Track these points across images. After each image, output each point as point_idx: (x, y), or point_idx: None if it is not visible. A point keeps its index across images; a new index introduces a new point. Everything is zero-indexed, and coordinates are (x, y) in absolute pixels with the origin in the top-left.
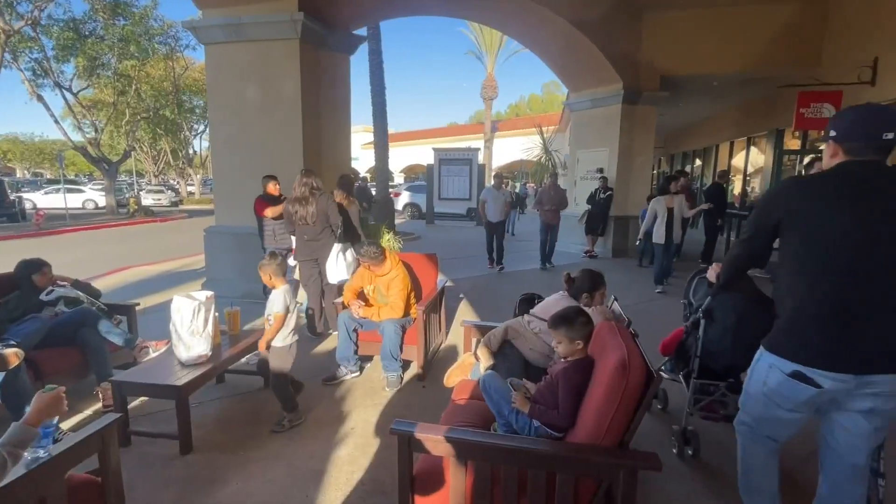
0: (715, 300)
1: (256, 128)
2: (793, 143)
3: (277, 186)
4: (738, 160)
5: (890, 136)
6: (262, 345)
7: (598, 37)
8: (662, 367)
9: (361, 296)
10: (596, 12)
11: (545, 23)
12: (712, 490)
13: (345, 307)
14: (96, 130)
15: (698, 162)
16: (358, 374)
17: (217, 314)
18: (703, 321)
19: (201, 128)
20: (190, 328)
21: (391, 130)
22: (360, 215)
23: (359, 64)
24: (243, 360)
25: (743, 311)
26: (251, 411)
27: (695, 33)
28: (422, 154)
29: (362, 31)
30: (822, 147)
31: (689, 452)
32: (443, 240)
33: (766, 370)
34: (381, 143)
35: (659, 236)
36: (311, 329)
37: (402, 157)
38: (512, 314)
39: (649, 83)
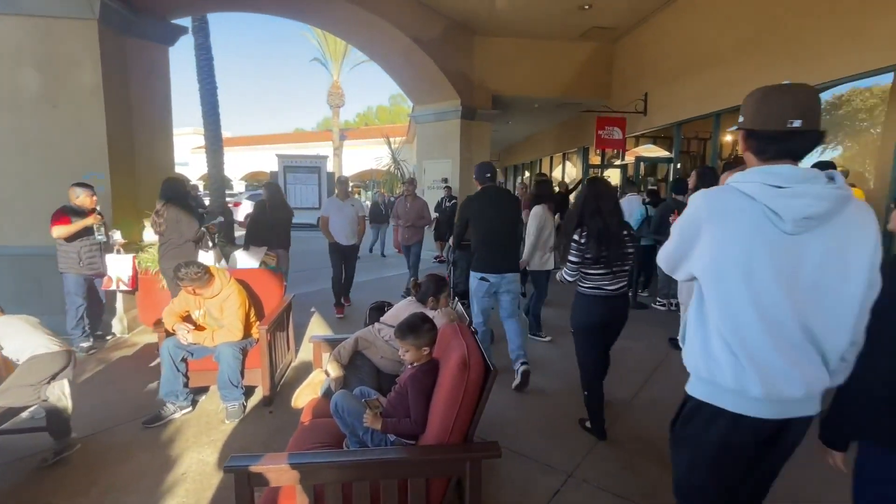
0: (456, 255)
1: (37, 123)
2: (595, 159)
3: (94, 198)
4: (557, 172)
5: (489, 175)
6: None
7: (437, 55)
8: None
9: (189, 321)
10: (433, 31)
11: (387, 36)
12: None
13: (169, 334)
14: None
15: (527, 174)
16: (190, 409)
17: None
18: (453, 268)
19: None
20: None
21: (228, 134)
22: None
23: (190, 59)
24: (24, 414)
25: (469, 260)
26: (36, 479)
27: (517, 59)
28: (266, 160)
29: (185, 22)
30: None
31: None
32: (292, 251)
33: (473, 280)
34: (214, 146)
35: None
36: None
37: (242, 163)
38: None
39: (483, 101)
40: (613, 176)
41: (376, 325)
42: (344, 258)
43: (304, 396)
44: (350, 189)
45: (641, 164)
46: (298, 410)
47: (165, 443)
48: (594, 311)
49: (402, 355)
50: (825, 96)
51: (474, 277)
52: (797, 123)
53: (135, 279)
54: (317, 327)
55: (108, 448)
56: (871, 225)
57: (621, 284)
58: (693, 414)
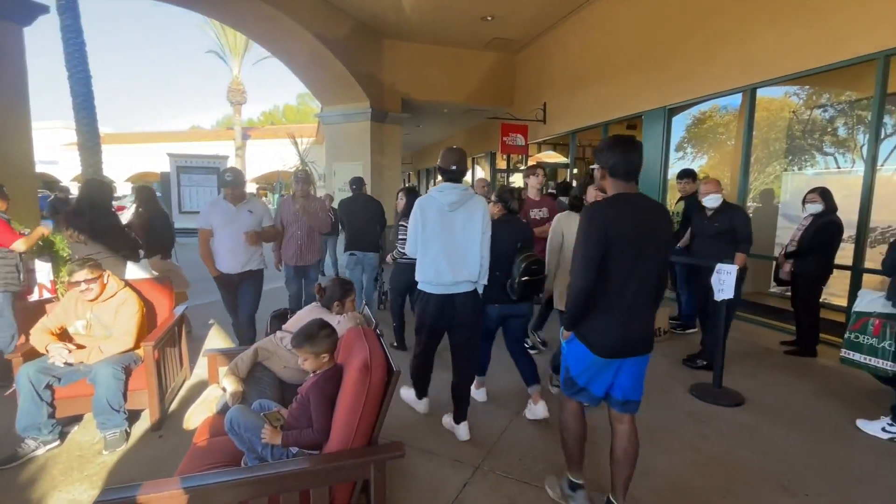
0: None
1: None
2: (502, 164)
3: (7, 201)
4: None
5: (355, 186)
6: None
7: (343, 55)
8: None
9: (65, 339)
10: (340, 30)
11: (289, 33)
12: None
13: (29, 357)
14: None
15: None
16: (57, 443)
17: None
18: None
19: None
20: None
21: (109, 130)
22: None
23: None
24: None
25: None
26: None
27: (426, 64)
28: (157, 160)
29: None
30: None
31: None
32: (189, 259)
33: (344, 257)
34: (90, 143)
35: None
36: None
37: (128, 163)
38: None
39: (392, 104)
40: (519, 180)
41: (278, 333)
42: (240, 290)
43: (198, 415)
44: (256, 190)
45: (543, 168)
46: (192, 432)
47: (24, 485)
48: (409, 276)
49: (301, 364)
50: (693, 111)
51: (345, 255)
52: (454, 167)
53: (55, 284)
54: (215, 341)
55: None
56: (481, 204)
57: None
58: (419, 295)
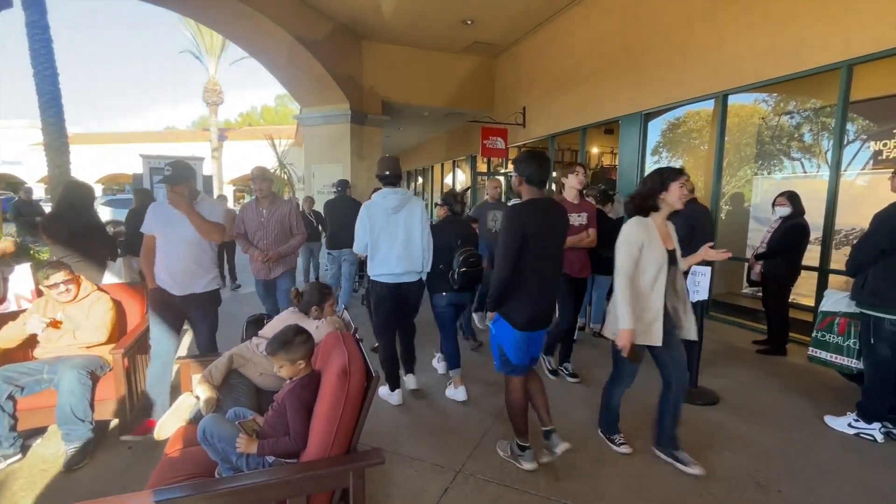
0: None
1: None
2: (483, 167)
3: None
4: (448, 179)
5: (340, 188)
6: None
7: (323, 56)
8: None
9: (32, 347)
10: (319, 31)
11: (267, 33)
12: None
13: None
14: None
15: (420, 179)
16: (19, 456)
17: None
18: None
19: None
20: None
21: (78, 130)
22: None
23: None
24: None
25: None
26: None
27: (406, 67)
28: (130, 161)
29: None
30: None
31: None
32: None
33: (324, 254)
34: (56, 143)
35: None
36: None
37: (100, 164)
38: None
39: (373, 106)
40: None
41: (254, 339)
42: (186, 319)
43: (170, 425)
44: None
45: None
46: (163, 442)
47: None
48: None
49: (276, 371)
50: (668, 116)
51: (325, 252)
52: (388, 173)
53: (38, 290)
54: (193, 347)
55: None
56: (419, 204)
57: None
58: (372, 284)
